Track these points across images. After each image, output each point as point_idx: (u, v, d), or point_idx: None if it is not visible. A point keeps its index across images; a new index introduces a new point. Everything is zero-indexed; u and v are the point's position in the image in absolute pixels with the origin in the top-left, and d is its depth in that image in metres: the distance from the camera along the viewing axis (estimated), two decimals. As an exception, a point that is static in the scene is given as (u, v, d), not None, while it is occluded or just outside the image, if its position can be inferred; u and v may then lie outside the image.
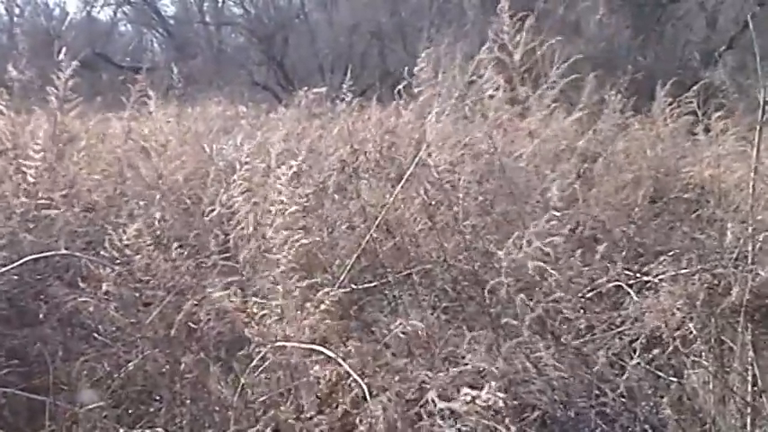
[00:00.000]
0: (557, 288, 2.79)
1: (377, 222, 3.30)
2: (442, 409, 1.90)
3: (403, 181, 3.38)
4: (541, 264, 2.72)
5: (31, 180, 3.30)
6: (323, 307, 2.51)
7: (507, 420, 1.85)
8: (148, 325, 2.73)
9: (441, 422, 1.90)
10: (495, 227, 3.48)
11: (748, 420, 2.80)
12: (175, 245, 2.87)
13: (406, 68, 3.85)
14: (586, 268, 3.05)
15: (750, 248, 3.02)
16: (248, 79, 17.67)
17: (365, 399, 2.26)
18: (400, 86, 4.07)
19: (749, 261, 3.00)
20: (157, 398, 2.85)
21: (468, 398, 1.84)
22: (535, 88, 4.36)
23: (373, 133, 4.45)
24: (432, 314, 3.11)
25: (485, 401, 1.82)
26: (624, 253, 3.64)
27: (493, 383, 1.91)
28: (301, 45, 19.08)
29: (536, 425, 2.65)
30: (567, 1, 10.42)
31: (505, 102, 3.69)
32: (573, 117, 4.30)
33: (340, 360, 2.33)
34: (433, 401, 1.93)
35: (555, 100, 4.61)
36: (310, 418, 2.42)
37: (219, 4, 21.75)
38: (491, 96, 3.54)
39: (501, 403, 1.82)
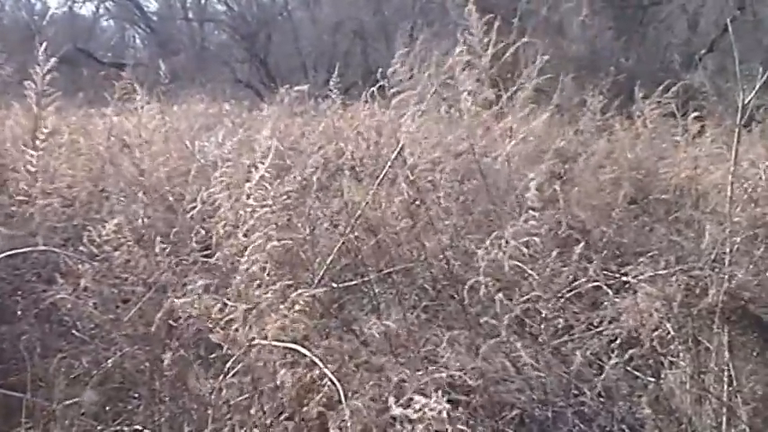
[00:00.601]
0: (536, 288, 2.80)
1: (357, 219, 3.29)
2: (395, 416, 1.89)
3: (379, 180, 3.38)
4: (520, 264, 2.73)
5: (9, 175, 3.27)
6: (302, 305, 2.50)
7: (458, 426, 1.85)
8: (127, 322, 2.71)
9: (399, 427, 1.88)
10: (475, 226, 3.49)
11: (724, 420, 2.83)
12: (156, 241, 2.85)
13: (380, 69, 3.85)
14: (566, 268, 3.06)
15: (727, 250, 3.06)
16: (231, 77, 17.58)
17: (340, 401, 2.25)
18: (374, 87, 4.06)
19: (726, 263, 3.04)
20: (136, 395, 2.84)
21: (418, 406, 1.83)
22: (508, 89, 4.36)
23: (355, 132, 4.44)
24: (412, 313, 3.11)
25: (432, 410, 1.81)
26: (603, 253, 3.66)
27: (440, 391, 1.90)
28: (284, 43, 19.02)
29: (514, 423, 2.66)
30: (551, 2, 10.46)
31: (482, 102, 3.68)
32: (543, 117, 4.31)
33: (316, 360, 2.31)
34: (389, 407, 1.91)
35: (535, 101, 4.62)
36: (286, 418, 2.41)
37: (203, 1, 21.68)
38: (466, 99, 3.55)
39: (445, 414, 1.81)
